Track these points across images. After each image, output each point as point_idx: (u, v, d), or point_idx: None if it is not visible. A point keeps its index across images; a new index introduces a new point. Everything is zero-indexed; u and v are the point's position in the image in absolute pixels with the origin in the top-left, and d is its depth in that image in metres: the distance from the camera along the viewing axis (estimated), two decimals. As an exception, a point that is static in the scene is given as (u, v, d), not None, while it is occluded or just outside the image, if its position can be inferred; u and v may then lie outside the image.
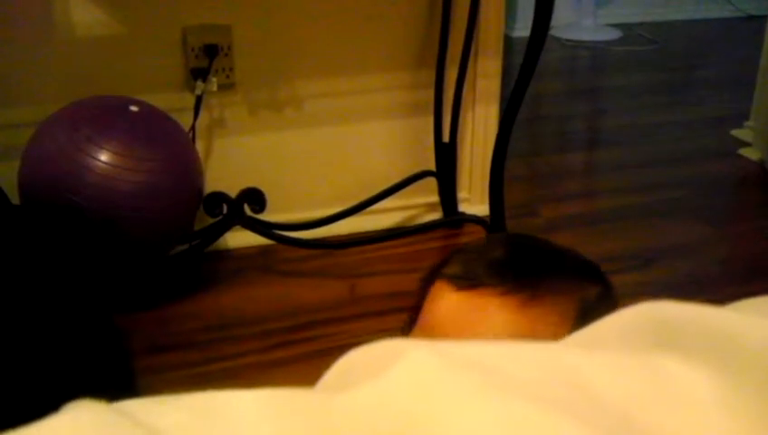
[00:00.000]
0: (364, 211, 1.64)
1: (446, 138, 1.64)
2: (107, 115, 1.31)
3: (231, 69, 1.52)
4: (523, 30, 3.08)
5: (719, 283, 1.43)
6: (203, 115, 1.52)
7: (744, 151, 2.11)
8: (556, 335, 0.59)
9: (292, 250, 1.55)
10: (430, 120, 1.64)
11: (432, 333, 0.66)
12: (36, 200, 1.29)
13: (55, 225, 1.25)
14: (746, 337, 0.28)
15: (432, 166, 1.69)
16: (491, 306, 0.64)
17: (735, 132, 2.23)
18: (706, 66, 3.04)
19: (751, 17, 3.50)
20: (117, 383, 1.15)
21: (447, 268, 0.69)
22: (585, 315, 0.64)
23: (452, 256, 0.71)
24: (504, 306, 0.64)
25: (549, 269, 0.67)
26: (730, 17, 3.65)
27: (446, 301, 0.66)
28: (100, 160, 1.25)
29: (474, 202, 1.76)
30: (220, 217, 1.45)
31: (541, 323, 0.63)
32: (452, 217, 1.72)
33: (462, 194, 1.75)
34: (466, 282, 0.66)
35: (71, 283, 1.19)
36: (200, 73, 1.48)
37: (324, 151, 1.65)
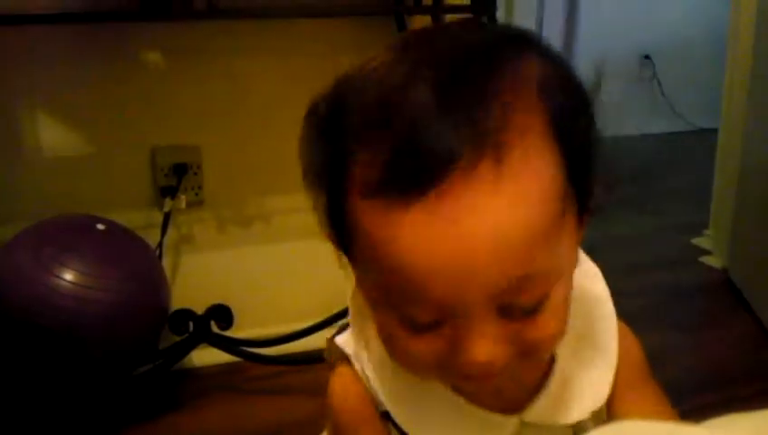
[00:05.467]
0: (334, 326, 1.62)
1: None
2: (72, 234, 1.31)
3: (200, 187, 1.53)
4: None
5: (689, 390, 1.43)
6: (171, 232, 1.52)
7: (706, 259, 2.16)
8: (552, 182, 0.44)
9: (259, 367, 1.52)
10: (397, 233, 1.66)
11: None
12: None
13: (17, 347, 1.22)
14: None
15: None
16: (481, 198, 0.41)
17: (696, 241, 2.28)
18: (660, 179, 3.13)
19: (701, 130, 3.62)
20: None
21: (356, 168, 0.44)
22: (564, 135, 0.44)
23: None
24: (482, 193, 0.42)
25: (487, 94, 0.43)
26: (679, 131, 3.77)
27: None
28: (64, 280, 1.23)
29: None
30: (186, 335, 1.43)
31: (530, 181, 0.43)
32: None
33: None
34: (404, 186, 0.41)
35: (32, 407, 1.14)
36: (169, 192, 1.50)
37: (293, 266, 1.65)
